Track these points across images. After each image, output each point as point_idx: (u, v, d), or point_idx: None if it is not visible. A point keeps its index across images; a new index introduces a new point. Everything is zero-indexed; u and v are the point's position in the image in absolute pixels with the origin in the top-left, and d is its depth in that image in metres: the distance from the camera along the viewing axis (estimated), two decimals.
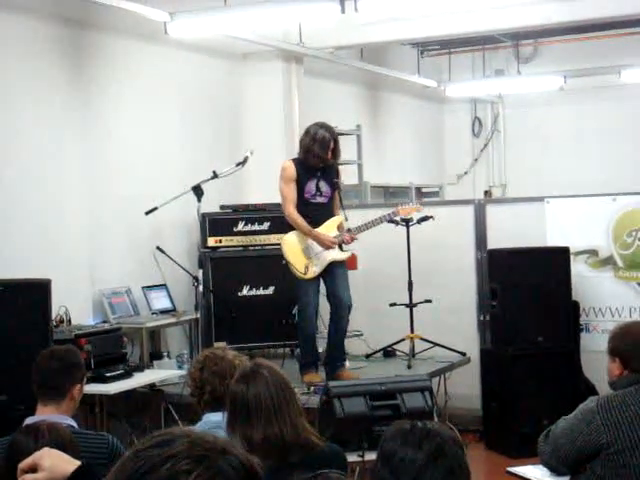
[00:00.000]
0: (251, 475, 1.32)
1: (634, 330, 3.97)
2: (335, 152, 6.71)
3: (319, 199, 6.69)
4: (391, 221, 7.21)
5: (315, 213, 6.65)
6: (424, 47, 11.62)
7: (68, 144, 6.93)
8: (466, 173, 13.18)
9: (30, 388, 3.83)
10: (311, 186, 6.67)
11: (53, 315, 5.92)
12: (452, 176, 13.07)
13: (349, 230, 6.74)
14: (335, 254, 6.67)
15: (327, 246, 6.60)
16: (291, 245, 6.63)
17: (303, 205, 6.63)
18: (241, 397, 3.21)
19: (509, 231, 7.69)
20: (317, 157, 6.62)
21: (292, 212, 6.60)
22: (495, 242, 7.72)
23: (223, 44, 8.20)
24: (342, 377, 6.57)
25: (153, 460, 1.29)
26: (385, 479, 2.04)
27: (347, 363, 6.93)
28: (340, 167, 9.61)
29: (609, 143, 12.04)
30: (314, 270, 6.62)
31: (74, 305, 6.53)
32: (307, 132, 6.69)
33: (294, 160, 6.73)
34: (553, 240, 7.55)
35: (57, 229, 6.75)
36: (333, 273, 6.67)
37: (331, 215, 6.77)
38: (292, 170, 6.63)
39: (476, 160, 13.22)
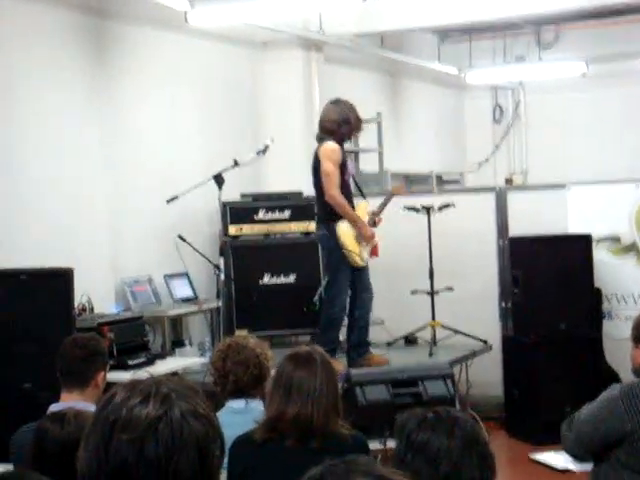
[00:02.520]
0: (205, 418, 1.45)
1: None
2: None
3: (349, 179, 6.67)
4: (387, 202, 7.02)
5: (348, 193, 6.59)
6: (444, 34, 11.56)
7: (89, 132, 6.96)
8: (487, 160, 13.12)
9: (54, 376, 3.87)
10: (350, 166, 6.63)
11: (75, 303, 5.95)
12: (473, 163, 13.02)
13: (374, 213, 6.78)
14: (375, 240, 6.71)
15: (368, 238, 6.56)
16: (348, 234, 6.50)
17: (340, 187, 6.51)
18: (287, 375, 3.27)
19: (530, 218, 7.65)
20: (358, 121, 6.58)
21: (340, 198, 6.42)
22: (516, 229, 7.69)
23: (243, 32, 8.19)
24: (372, 361, 6.60)
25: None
26: (421, 469, 2.03)
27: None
28: (360, 155, 9.72)
29: (632, 129, 11.94)
30: (365, 257, 6.63)
31: (96, 293, 6.56)
32: (329, 109, 6.60)
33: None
34: (575, 227, 7.51)
35: (79, 217, 6.78)
36: None
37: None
38: (340, 152, 6.51)
39: (497, 147, 13.16)
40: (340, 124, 6.55)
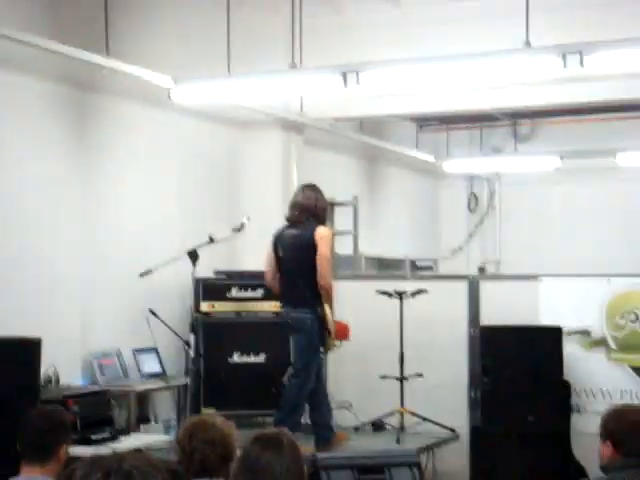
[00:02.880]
0: None
1: (627, 414, 3.96)
2: None
3: None
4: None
5: None
6: (423, 122, 11.74)
7: (65, 204, 6.95)
8: (461, 248, 13.22)
9: (15, 448, 3.79)
10: None
11: (42, 374, 5.87)
12: (447, 251, 13.11)
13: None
14: None
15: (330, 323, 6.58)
16: (329, 318, 6.53)
17: None
18: (254, 457, 3.17)
19: (502, 308, 7.66)
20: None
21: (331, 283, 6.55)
22: (488, 318, 7.70)
23: (224, 111, 8.28)
24: (337, 439, 6.72)
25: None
26: None
27: None
28: (336, 237, 9.76)
29: (604, 224, 12.11)
30: None
31: (63, 365, 6.48)
32: (312, 194, 6.66)
33: None
34: (546, 318, 7.54)
35: (50, 287, 6.73)
36: None
37: None
38: None
39: (471, 236, 13.28)
40: (325, 209, 6.72)
